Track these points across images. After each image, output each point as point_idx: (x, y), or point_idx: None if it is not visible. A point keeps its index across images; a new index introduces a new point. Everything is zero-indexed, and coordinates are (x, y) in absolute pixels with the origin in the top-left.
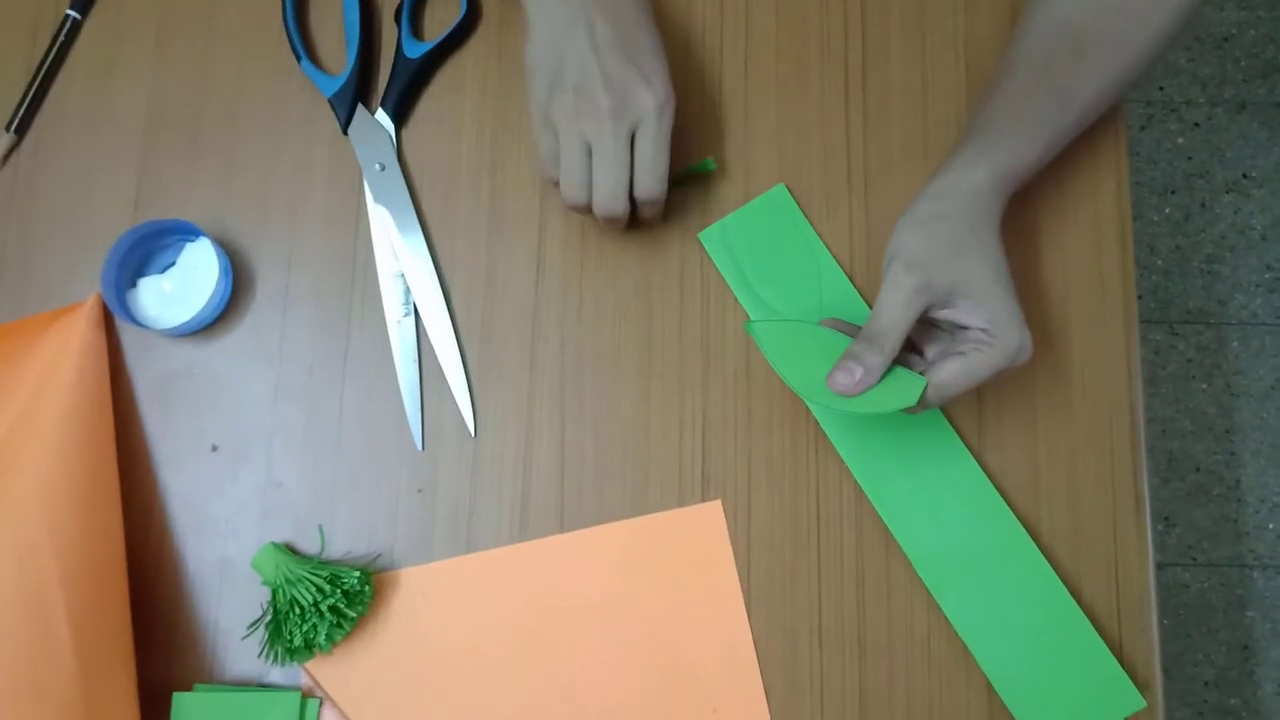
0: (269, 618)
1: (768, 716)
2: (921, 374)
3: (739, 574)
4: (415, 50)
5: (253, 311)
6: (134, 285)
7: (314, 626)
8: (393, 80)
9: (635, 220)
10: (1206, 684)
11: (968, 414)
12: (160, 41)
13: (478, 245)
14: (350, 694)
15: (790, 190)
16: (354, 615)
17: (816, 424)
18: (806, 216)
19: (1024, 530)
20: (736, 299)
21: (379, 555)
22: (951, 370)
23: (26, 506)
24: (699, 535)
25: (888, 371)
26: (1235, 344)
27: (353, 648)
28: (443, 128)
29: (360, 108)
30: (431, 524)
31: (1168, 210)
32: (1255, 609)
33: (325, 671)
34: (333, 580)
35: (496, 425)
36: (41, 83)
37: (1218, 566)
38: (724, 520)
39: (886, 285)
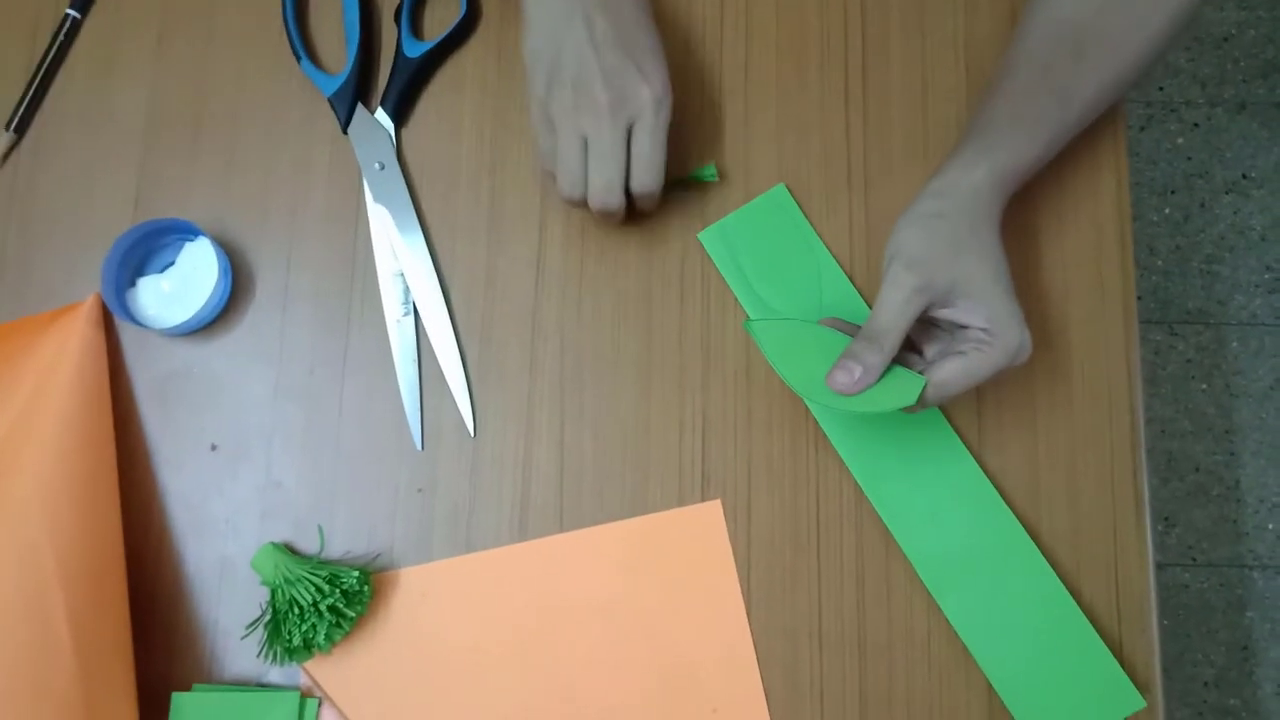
0: (268, 617)
1: (767, 717)
2: (921, 373)
3: (739, 574)
4: (415, 50)
5: (252, 311)
6: (133, 285)
7: (313, 626)
8: (392, 80)
9: (632, 214)
10: (1206, 684)
11: (967, 414)
12: (160, 41)
13: (477, 245)
14: (349, 694)
15: (790, 190)
16: (353, 615)
17: (816, 424)
18: (806, 216)
19: (1024, 530)
20: (736, 299)
21: (378, 555)
22: (951, 369)
23: (26, 506)
24: (699, 535)
25: (887, 371)
26: (1235, 344)
27: (352, 648)
28: (442, 127)
29: (360, 107)
30: (431, 524)
31: (1167, 210)
32: (1255, 609)
33: (324, 671)
34: (332, 580)
35: (496, 425)
36: (41, 82)
37: (1217, 567)
38: (724, 520)
39: (886, 284)
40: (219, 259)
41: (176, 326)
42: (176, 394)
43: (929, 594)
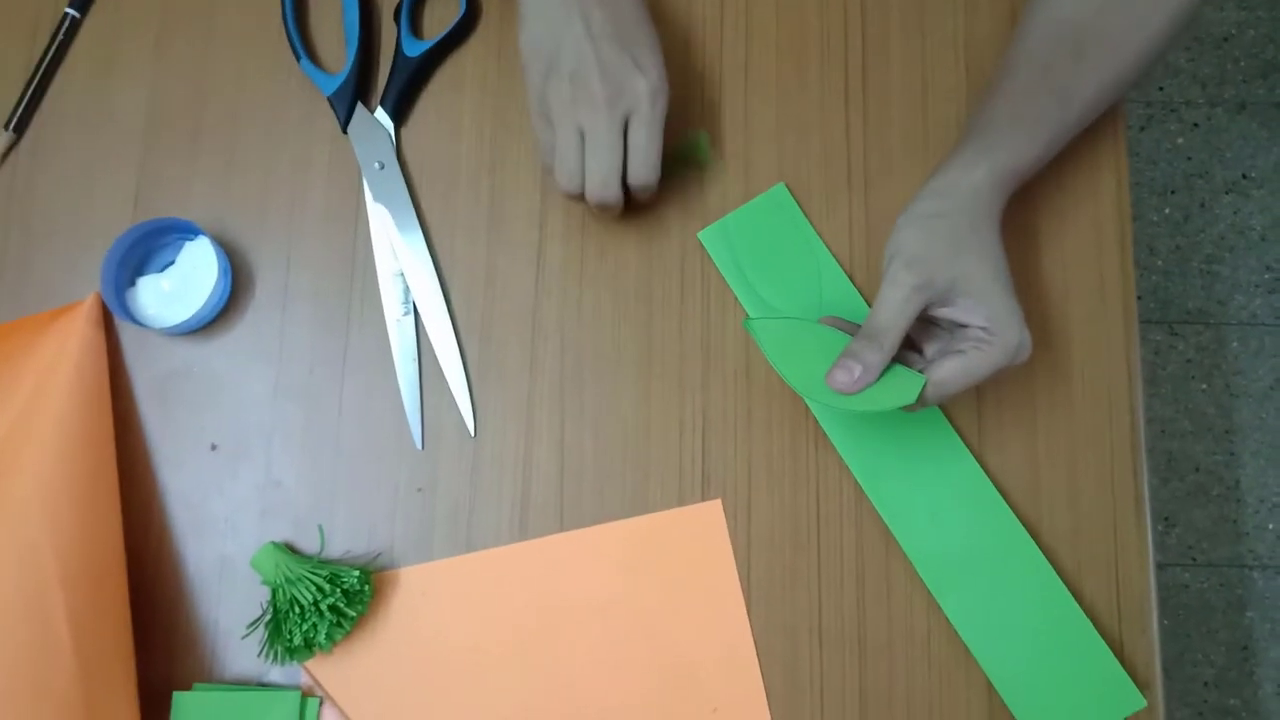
0: (269, 617)
1: (768, 716)
2: (920, 372)
3: (739, 573)
4: (415, 49)
5: (252, 310)
6: (133, 284)
7: (314, 625)
8: (392, 79)
9: (630, 206)
10: (1206, 684)
11: (967, 413)
12: (160, 40)
13: (477, 244)
14: (350, 693)
15: (790, 189)
16: (354, 614)
17: (816, 423)
18: (806, 216)
19: (1024, 530)
20: (736, 298)
21: (379, 554)
22: (951, 368)
23: (26, 506)
24: (699, 535)
25: (887, 369)
26: (1235, 344)
27: (352, 647)
28: (442, 126)
29: (360, 106)
30: (431, 523)
31: (1167, 210)
32: (1255, 609)
33: (325, 671)
34: (332, 579)
35: (496, 424)
36: (41, 81)
37: (1217, 567)
38: (724, 520)
39: (886, 283)
40: (219, 258)
41: (176, 326)
42: (176, 393)
43: (929, 593)
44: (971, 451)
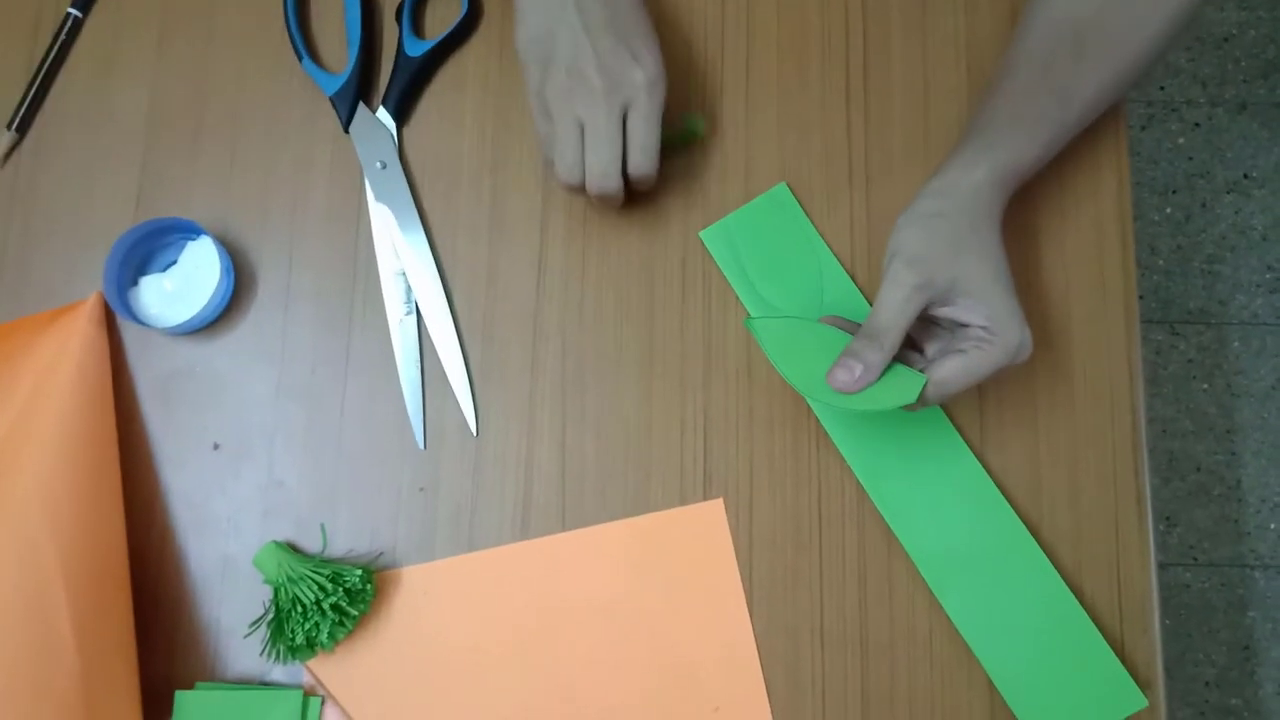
0: (271, 616)
1: (769, 716)
2: (921, 371)
3: (741, 573)
4: (416, 49)
5: (254, 310)
6: (135, 284)
7: (316, 625)
8: (394, 79)
9: (632, 195)
10: (1208, 684)
11: (969, 413)
12: (162, 40)
13: (479, 244)
14: (352, 692)
15: (791, 189)
16: (356, 614)
17: (818, 423)
18: (808, 215)
19: (1025, 529)
20: (738, 298)
21: (381, 554)
22: (951, 368)
23: (28, 506)
24: (701, 534)
25: (888, 369)
26: (1236, 344)
27: (355, 646)
28: (444, 126)
29: (361, 106)
30: (433, 523)
31: (1168, 210)
32: (1256, 609)
33: (327, 670)
34: (335, 579)
35: (498, 424)
36: (43, 81)
37: (1219, 566)
38: (725, 519)
39: (886, 282)
40: (221, 258)
41: (179, 325)
42: (179, 393)
43: (931, 592)
44: (973, 451)
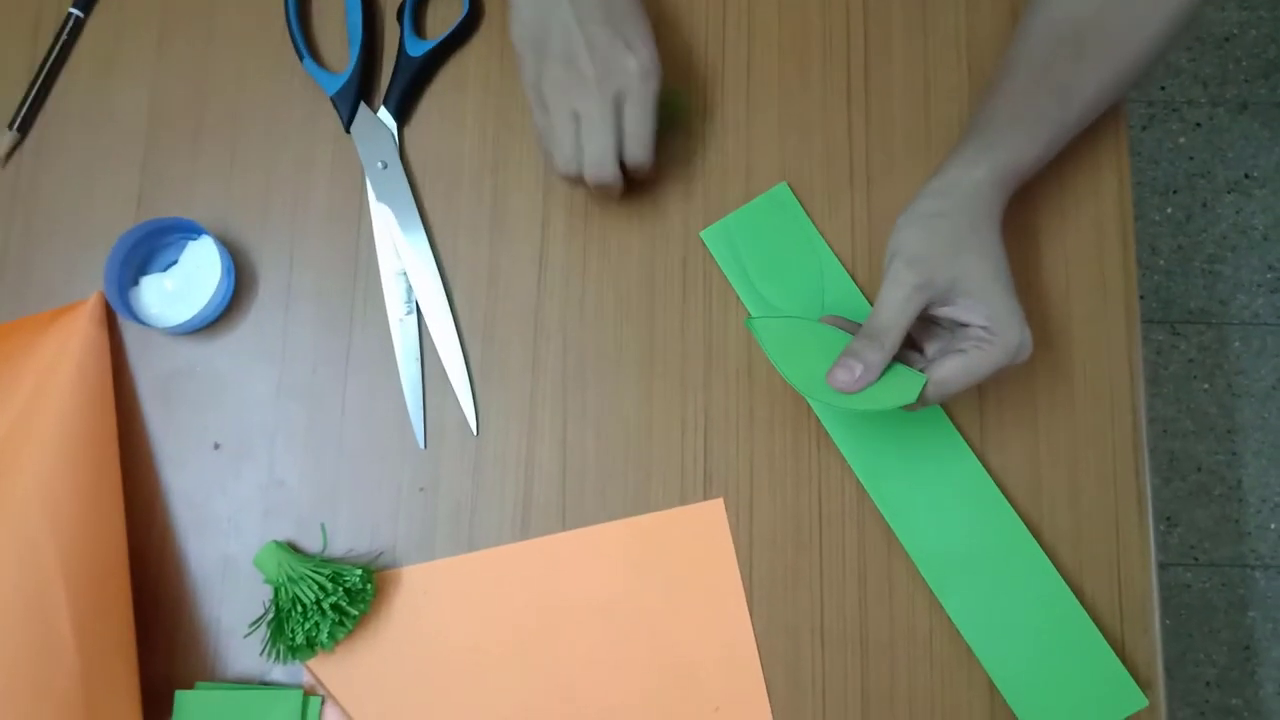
0: (271, 616)
1: (769, 715)
2: (921, 371)
3: (741, 572)
4: (418, 48)
5: (255, 310)
6: (136, 283)
7: (316, 624)
8: (395, 78)
9: (630, 186)
10: (1208, 684)
11: (969, 412)
12: (162, 40)
13: (480, 244)
14: (352, 692)
15: (792, 189)
16: (356, 613)
17: (818, 422)
18: (809, 215)
19: (1026, 529)
20: (739, 298)
21: (381, 553)
22: (951, 367)
23: (28, 505)
24: (701, 534)
25: (888, 369)
26: (1237, 344)
27: (355, 646)
28: (445, 126)
29: (362, 106)
30: (433, 522)
31: (1169, 210)
32: (1257, 609)
33: (327, 670)
34: (335, 578)
35: (499, 424)
36: (44, 81)
37: (1219, 566)
38: (726, 519)
39: (887, 282)
40: (222, 258)
41: (179, 325)
42: (179, 392)
43: (931, 592)
44: (973, 450)
